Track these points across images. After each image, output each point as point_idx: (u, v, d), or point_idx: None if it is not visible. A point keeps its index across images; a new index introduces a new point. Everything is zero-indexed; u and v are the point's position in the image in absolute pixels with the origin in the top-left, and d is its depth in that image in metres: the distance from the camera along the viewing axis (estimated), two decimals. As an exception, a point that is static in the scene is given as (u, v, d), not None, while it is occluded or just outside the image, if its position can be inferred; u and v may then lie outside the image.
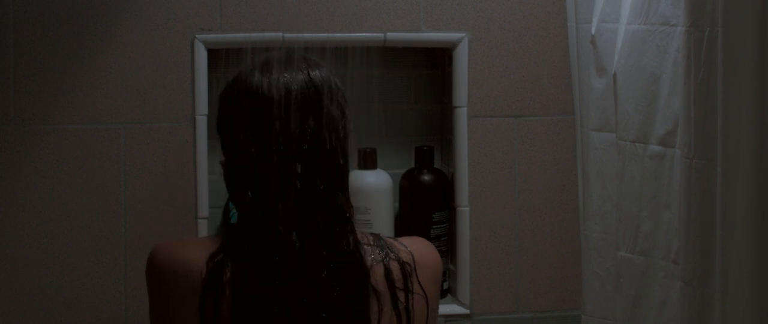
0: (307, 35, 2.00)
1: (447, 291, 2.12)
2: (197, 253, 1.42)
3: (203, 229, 1.97)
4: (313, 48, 2.07)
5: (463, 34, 2.04)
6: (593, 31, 1.94)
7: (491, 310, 2.08)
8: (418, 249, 1.49)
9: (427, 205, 2.09)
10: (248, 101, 1.44)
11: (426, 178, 2.10)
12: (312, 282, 1.39)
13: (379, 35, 2.02)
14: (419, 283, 1.44)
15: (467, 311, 2.06)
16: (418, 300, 1.44)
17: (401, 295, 1.41)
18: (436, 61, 2.17)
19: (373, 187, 2.05)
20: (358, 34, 2.01)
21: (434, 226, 2.08)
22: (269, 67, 1.45)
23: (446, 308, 2.06)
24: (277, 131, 1.41)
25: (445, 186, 2.10)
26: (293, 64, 1.45)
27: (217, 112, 1.50)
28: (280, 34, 1.98)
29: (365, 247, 1.46)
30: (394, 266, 1.44)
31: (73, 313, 1.95)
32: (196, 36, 1.96)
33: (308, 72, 1.45)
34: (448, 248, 2.11)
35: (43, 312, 1.94)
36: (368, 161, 2.07)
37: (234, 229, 1.43)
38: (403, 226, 2.10)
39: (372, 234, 1.50)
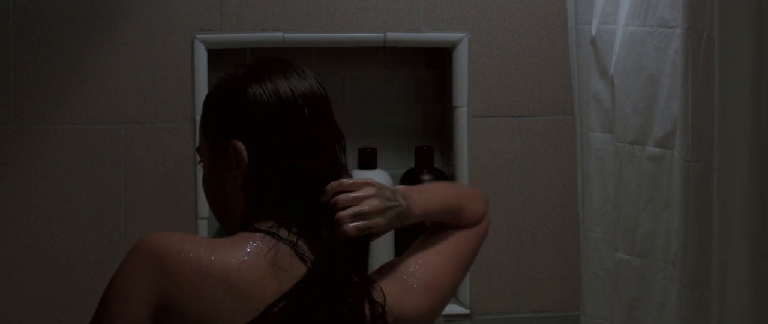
0: (307, 35, 2.00)
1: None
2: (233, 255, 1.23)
3: (203, 229, 1.97)
4: (314, 48, 2.09)
5: (463, 34, 2.03)
6: (593, 32, 1.93)
7: (491, 310, 2.08)
8: (391, 296, 1.37)
9: (427, 205, 2.08)
10: (265, 110, 1.30)
11: (426, 178, 2.09)
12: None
13: (379, 35, 2.02)
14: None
15: (467, 311, 2.06)
16: None
17: None
18: (436, 61, 2.17)
19: (373, 187, 2.05)
20: (358, 34, 2.01)
21: (434, 226, 2.08)
22: (271, 75, 1.33)
23: (446, 308, 2.03)
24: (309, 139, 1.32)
25: (445, 186, 2.10)
26: (295, 72, 1.36)
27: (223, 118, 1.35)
28: (280, 34, 1.98)
29: None
30: (366, 306, 1.33)
31: (73, 313, 1.95)
32: (196, 36, 1.96)
33: (316, 80, 1.35)
34: (448, 248, 2.11)
35: (43, 312, 1.95)
36: (368, 161, 2.07)
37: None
38: (403, 225, 2.09)
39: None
